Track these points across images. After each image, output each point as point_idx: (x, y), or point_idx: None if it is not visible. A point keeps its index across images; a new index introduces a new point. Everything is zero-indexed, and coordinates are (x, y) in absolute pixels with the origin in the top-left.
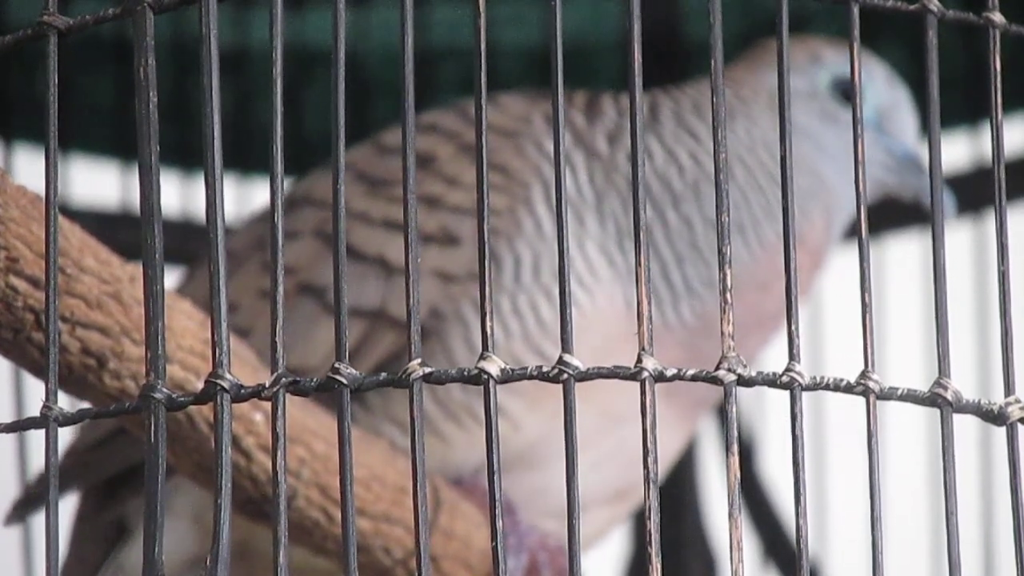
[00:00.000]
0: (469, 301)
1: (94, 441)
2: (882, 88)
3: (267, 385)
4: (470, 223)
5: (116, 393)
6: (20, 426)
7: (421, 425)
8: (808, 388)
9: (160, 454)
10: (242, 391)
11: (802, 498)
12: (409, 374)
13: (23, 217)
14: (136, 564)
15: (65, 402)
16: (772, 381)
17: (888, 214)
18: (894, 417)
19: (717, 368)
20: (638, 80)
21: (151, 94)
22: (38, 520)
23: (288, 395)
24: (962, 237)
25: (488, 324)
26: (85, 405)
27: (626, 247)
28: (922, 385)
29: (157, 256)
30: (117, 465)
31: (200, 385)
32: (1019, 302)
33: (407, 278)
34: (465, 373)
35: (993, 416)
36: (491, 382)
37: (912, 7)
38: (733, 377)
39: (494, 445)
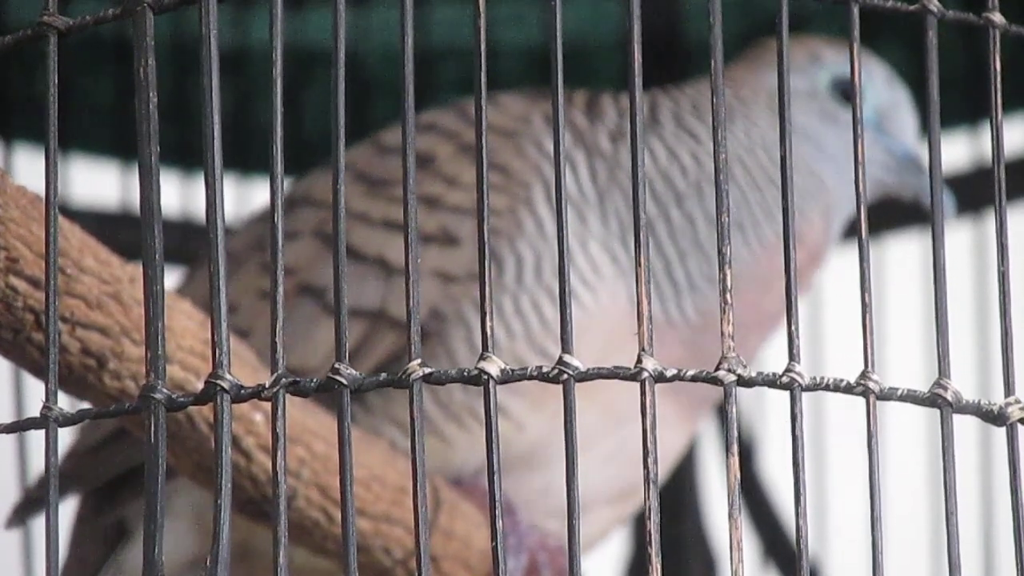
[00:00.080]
0: (470, 302)
1: (94, 443)
2: (882, 88)
3: (267, 385)
4: (470, 223)
5: (116, 393)
6: (20, 427)
7: (421, 425)
8: (808, 388)
9: (160, 454)
10: (242, 391)
11: (802, 498)
12: (409, 374)
13: (23, 217)
14: (136, 565)
15: (65, 402)
16: (772, 381)
17: (888, 214)
18: (894, 417)
19: (717, 368)
20: (638, 80)
21: (151, 94)
22: (38, 523)
23: (288, 395)
24: (962, 237)
25: (488, 324)
26: (85, 405)
27: (630, 244)
28: (922, 385)
29: (157, 256)
30: (117, 467)
31: (200, 385)
32: (1019, 302)
33: (407, 278)
34: (465, 374)
35: (993, 416)
36: (491, 382)
37: (912, 7)
38: (733, 378)
39: (494, 445)
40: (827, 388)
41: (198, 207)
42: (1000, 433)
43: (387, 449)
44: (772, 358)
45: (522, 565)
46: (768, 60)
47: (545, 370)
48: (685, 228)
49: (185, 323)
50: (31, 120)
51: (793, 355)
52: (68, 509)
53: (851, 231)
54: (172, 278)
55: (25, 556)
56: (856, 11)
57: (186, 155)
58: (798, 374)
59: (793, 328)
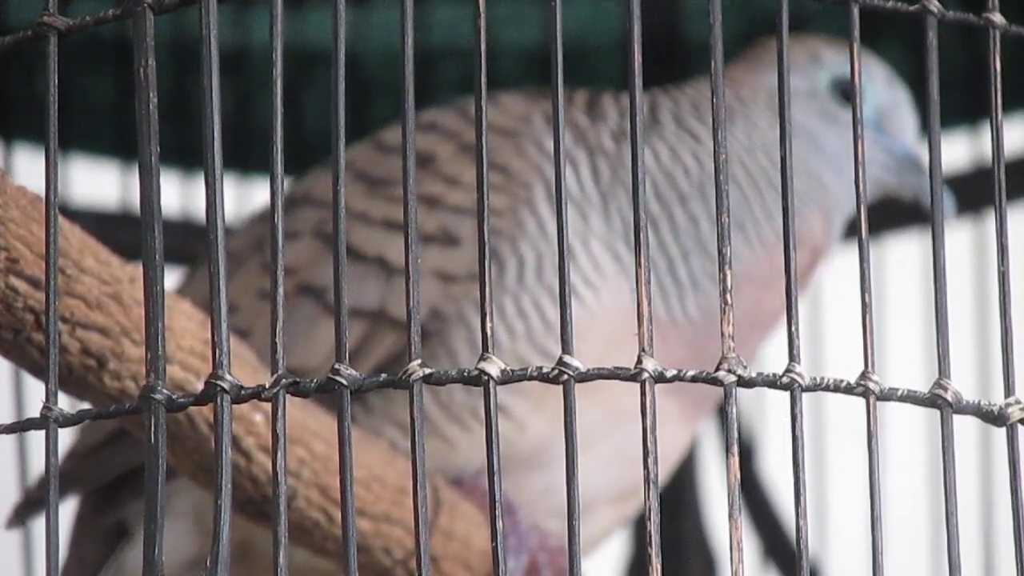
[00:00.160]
0: (471, 302)
1: (94, 444)
2: (882, 88)
3: (267, 386)
4: (470, 223)
5: (116, 394)
6: (20, 427)
7: (421, 426)
8: (808, 389)
9: (160, 455)
10: (242, 392)
11: (802, 499)
12: (409, 375)
13: (23, 218)
14: (136, 565)
15: (65, 403)
16: (772, 382)
17: (888, 214)
18: (894, 418)
19: (717, 369)
20: (638, 80)
21: (151, 95)
22: (38, 523)
23: (288, 396)
24: (962, 237)
25: (488, 325)
26: (85, 406)
27: (633, 243)
28: (922, 386)
29: (157, 256)
30: (117, 468)
31: (200, 386)
32: (1019, 302)
33: (407, 279)
34: (465, 374)
35: (993, 417)
36: (491, 383)
37: (912, 8)
38: (733, 378)
39: (494, 446)
40: (827, 388)
41: (198, 207)
42: (1000, 433)
43: (387, 449)
44: (772, 358)
45: (522, 565)
46: (768, 60)
47: (545, 370)
48: (688, 227)
49: (185, 323)
50: (31, 120)
51: (793, 355)
52: (68, 510)
53: (851, 231)
54: (172, 278)
55: (25, 556)
56: (856, 11)
57: (186, 155)
58: (798, 374)
59: (793, 328)
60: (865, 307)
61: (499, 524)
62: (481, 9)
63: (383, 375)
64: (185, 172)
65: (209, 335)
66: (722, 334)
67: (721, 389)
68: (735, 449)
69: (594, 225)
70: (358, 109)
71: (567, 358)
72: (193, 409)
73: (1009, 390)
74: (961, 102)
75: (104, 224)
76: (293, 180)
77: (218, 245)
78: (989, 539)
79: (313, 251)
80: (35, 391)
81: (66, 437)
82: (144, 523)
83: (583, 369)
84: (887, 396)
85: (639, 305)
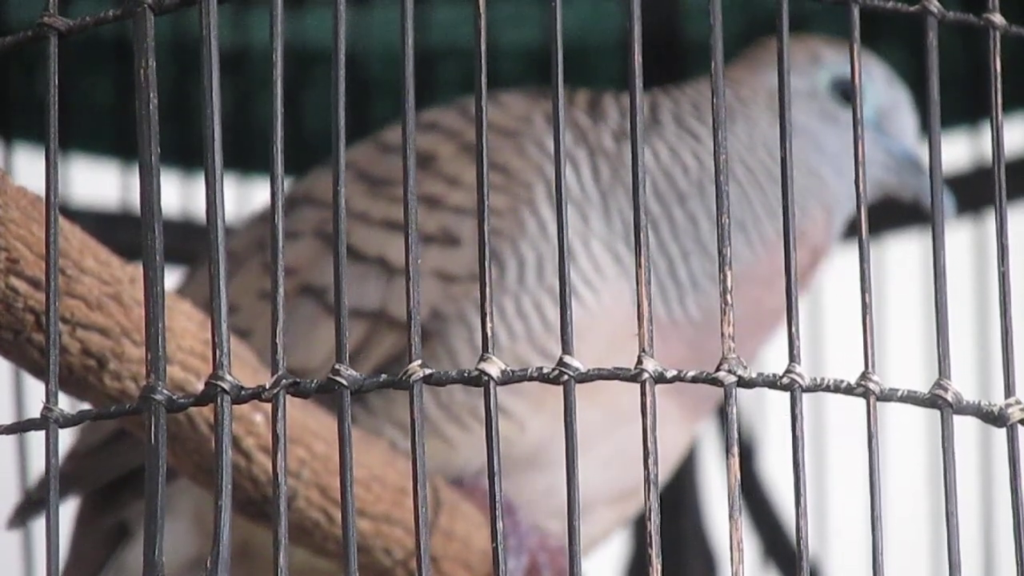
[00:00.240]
0: (471, 302)
1: (94, 444)
2: (882, 88)
3: (267, 386)
4: (471, 223)
5: (116, 394)
6: (20, 427)
7: (421, 426)
8: (808, 389)
9: (160, 455)
10: (242, 392)
11: (802, 499)
12: (409, 375)
13: (23, 218)
14: (137, 566)
15: (65, 403)
16: (772, 382)
17: (888, 214)
18: (894, 418)
19: (717, 369)
20: (638, 80)
21: (151, 95)
22: (39, 524)
23: (288, 396)
24: (962, 237)
25: (488, 325)
26: (85, 406)
27: (633, 243)
28: (922, 386)
29: (157, 257)
30: (117, 469)
31: (200, 386)
32: (1019, 303)
33: (407, 279)
34: (465, 375)
35: (993, 417)
36: (491, 383)
37: (912, 8)
38: (733, 378)
39: (494, 446)
40: (827, 389)
41: (198, 207)
42: (1000, 434)
43: (387, 450)
44: (772, 359)
45: (522, 566)
46: (768, 60)
47: (545, 371)
48: (688, 227)
49: (185, 324)
50: (31, 120)
51: (793, 356)
52: (69, 510)
53: (851, 231)
54: (172, 278)
55: (25, 557)
56: (856, 11)
57: (186, 155)
58: (798, 375)
59: (793, 329)
60: (865, 307)
61: (499, 524)
62: (481, 9)
63: (383, 376)
64: (185, 172)
65: (209, 335)
66: (722, 334)
67: (721, 390)
68: (735, 449)
69: (594, 226)
70: (358, 109)
71: (567, 358)
72: (193, 409)
73: (1009, 390)
74: (961, 102)
75: (104, 224)
76: (293, 180)
77: (218, 245)
78: (989, 539)
79: (314, 251)
80: (35, 391)
81: (66, 437)
82: (144, 524)
83: (583, 370)
84: (887, 397)
85: (639, 305)
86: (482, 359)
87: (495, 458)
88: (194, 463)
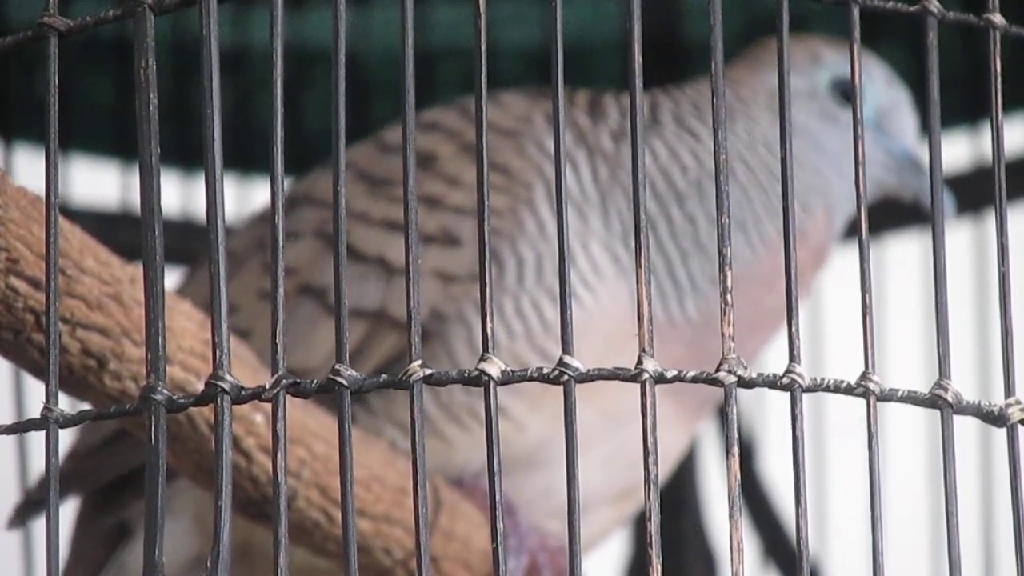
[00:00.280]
0: (471, 302)
1: (94, 444)
2: (882, 88)
3: (267, 387)
4: (471, 223)
5: (116, 394)
6: (20, 428)
7: (421, 427)
8: (808, 390)
9: (161, 455)
10: (242, 393)
11: (802, 499)
12: (409, 376)
13: (23, 218)
14: (137, 566)
15: (65, 403)
16: (773, 383)
17: (888, 214)
18: (894, 418)
19: (718, 369)
20: (638, 80)
21: (152, 95)
22: (39, 524)
23: (288, 396)
24: (962, 237)
25: (488, 325)
26: (85, 406)
27: (631, 244)
28: (922, 386)
29: (157, 257)
30: (117, 469)
31: (200, 386)
32: (1019, 303)
33: (407, 279)
34: (465, 375)
35: (993, 417)
36: (491, 384)
37: (912, 8)
38: (734, 379)
39: (495, 446)
40: (827, 389)
41: (198, 207)
42: (1000, 434)
43: (387, 449)
44: (772, 359)
45: (523, 566)
46: (768, 60)
47: (546, 371)
48: (686, 228)
49: (185, 324)
50: (31, 120)
51: (793, 356)
52: (69, 510)
53: (851, 231)
54: (172, 278)
55: (26, 557)
56: (856, 12)
57: (186, 155)
58: (798, 375)
59: (794, 329)
60: (865, 308)
61: (499, 525)
62: (481, 9)
63: (383, 376)
64: (185, 172)
65: (209, 335)
66: (722, 335)
67: (720, 392)
68: (735, 450)
69: (593, 226)
70: (358, 109)
71: (567, 359)
72: (193, 410)
73: (1009, 390)
74: (961, 102)
75: (104, 224)
76: (293, 180)
77: (218, 245)
78: (989, 539)
79: (314, 251)
80: (35, 391)
81: (66, 438)
82: (144, 524)
83: (583, 370)
84: (887, 397)
85: (639, 306)
86: (482, 359)
87: (495, 458)
88: (194, 463)
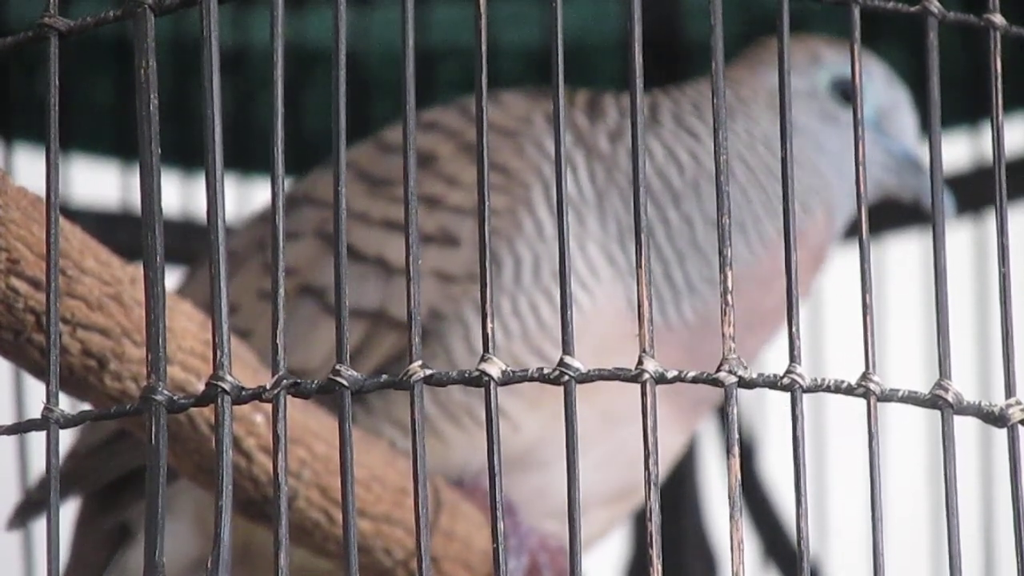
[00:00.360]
0: (469, 302)
1: (94, 444)
2: (882, 88)
3: (268, 387)
4: (470, 223)
5: (117, 394)
6: (21, 428)
7: (422, 427)
8: (809, 390)
9: (161, 456)
10: (243, 393)
11: (803, 499)
12: (410, 376)
13: (24, 219)
14: (138, 567)
15: (66, 404)
16: (773, 383)
17: (888, 214)
18: (895, 418)
19: (718, 370)
20: (639, 80)
21: (152, 96)
22: (39, 525)
23: (289, 397)
24: (962, 237)
25: (489, 326)
26: (86, 407)
27: (627, 246)
28: (923, 386)
29: (158, 257)
30: (118, 469)
31: (201, 387)
32: (1020, 303)
33: (408, 280)
34: (466, 375)
35: (994, 418)
36: (492, 384)
37: (913, 9)
38: (734, 379)
39: (495, 447)
40: (828, 389)
41: (199, 207)
42: (1001, 434)
43: (387, 450)
44: (773, 359)
45: (523, 566)
46: (768, 60)
47: (546, 371)
48: (683, 229)
49: (186, 324)
50: (32, 120)
51: (794, 356)
52: (69, 511)
53: (851, 231)
54: (172, 278)
55: (26, 558)
56: (856, 12)
57: (186, 155)
58: (799, 375)
59: (794, 329)
60: (865, 307)
61: (500, 525)
62: (482, 9)
63: (384, 376)
64: (185, 172)
65: (210, 336)
66: (723, 335)
67: (716, 393)
68: (736, 450)
69: (590, 228)
70: (358, 109)
71: (568, 359)
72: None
73: (1010, 391)
74: (961, 102)
75: (104, 224)
76: (294, 180)
77: (219, 245)
78: (990, 540)
79: (314, 251)
80: (36, 392)
81: (66, 438)
82: (145, 524)
83: (584, 370)
84: (888, 397)
85: (639, 306)
86: (483, 360)
87: (496, 458)
88: (195, 463)
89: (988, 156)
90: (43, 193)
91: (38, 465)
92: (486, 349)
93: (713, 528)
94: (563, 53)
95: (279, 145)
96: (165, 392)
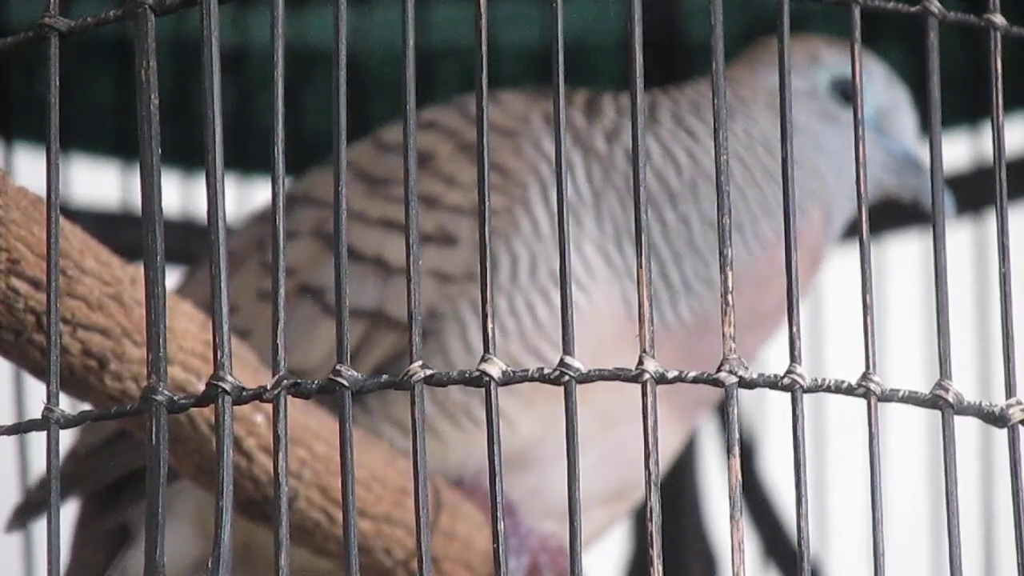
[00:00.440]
0: (467, 301)
1: (94, 444)
2: (881, 88)
3: (268, 387)
4: (468, 223)
5: (117, 395)
6: (21, 428)
7: (422, 427)
8: (809, 390)
9: (162, 456)
10: (243, 393)
11: (803, 499)
12: (410, 376)
13: (24, 219)
14: (139, 568)
15: (66, 404)
16: (773, 383)
17: (888, 214)
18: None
19: (718, 370)
20: (639, 80)
21: (152, 96)
22: (39, 526)
23: (289, 397)
24: (962, 237)
25: (489, 326)
26: (86, 407)
27: (624, 246)
28: (923, 386)
29: (158, 258)
30: (118, 470)
31: (201, 387)
32: (1020, 303)
33: (408, 280)
34: (467, 375)
35: (994, 418)
36: (492, 384)
37: (913, 9)
38: (735, 379)
39: (495, 447)
40: (828, 390)
41: (199, 207)
42: (1001, 434)
43: (388, 450)
44: (773, 359)
45: (523, 566)
46: (768, 60)
47: (547, 371)
48: (680, 229)
49: (186, 324)
50: (32, 120)
51: (794, 356)
52: (69, 512)
53: (851, 231)
54: (172, 278)
55: (26, 559)
56: (857, 12)
57: (187, 155)
58: (799, 375)
59: (794, 329)
60: (866, 307)
61: (500, 525)
62: (482, 9)
63: (384, 376)
64: (186, 172)
65: (210, 336)
66: (723, 335)
67: (714, 393)
68: (736, 450)
69: (587, 227)
70: (358, 109)
71: (568, 359)
72: (194, 410)
73: (1010, 391)
74: (961, 102)
75: (105, 224)
76: (293, 180)
77: (219, 245)
78: (990, 540)
79: (313, 251)
80: (36, 392)
81: (67, 438)
82: (146, 525)
83: (584, 370)
84: (888, 397)
85: (640, 306)
86: (483, 360)
87: (496, 458)
88: (195, 464)
89: (988, 156)
90: (43, 193)
91: (38, 465)
92: (487, 349)
93: (713, 528)
94: (563, 53)
95: (279, 145)
96: (165, 392)
